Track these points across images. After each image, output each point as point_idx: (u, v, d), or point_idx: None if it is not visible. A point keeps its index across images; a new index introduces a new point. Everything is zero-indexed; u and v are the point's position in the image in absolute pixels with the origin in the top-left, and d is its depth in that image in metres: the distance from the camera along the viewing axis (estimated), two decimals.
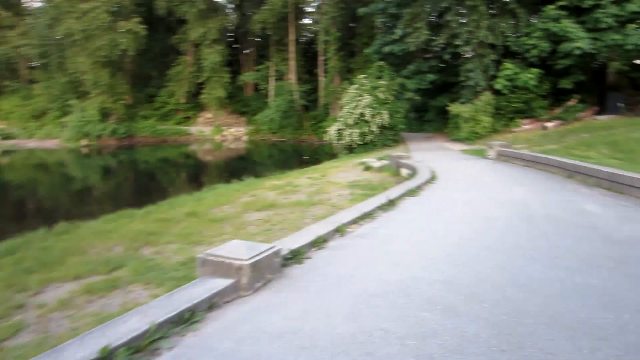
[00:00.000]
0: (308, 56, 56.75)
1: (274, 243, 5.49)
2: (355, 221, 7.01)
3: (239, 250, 4.44)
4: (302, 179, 15.35)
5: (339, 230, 6.37)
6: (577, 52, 21.89)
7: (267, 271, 4.53)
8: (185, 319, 3.61)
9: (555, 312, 3.67)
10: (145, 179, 29.92)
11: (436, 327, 3.46)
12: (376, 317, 3.67)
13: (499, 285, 4.31)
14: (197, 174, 31.89)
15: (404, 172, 15.32)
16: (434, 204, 8.69)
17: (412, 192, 9.68)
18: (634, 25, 21.30)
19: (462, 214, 7.59)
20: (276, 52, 53.16)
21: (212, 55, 48.63)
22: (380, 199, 8.50)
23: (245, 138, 52.20)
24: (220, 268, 4.30)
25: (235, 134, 52.54)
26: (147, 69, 52.45)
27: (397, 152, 24.65)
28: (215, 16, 49.79)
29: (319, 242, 5.78)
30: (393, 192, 9.39)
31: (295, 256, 5.23)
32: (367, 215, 7.38)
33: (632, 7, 21.29)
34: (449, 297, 4.04)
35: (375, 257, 5.29)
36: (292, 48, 51.04)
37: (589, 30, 22.81)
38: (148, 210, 11.26)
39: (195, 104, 52.81)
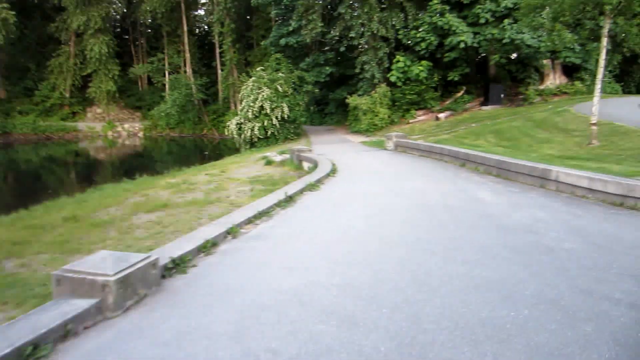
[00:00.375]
0: (205, 48, 54.75)
1: (156, 250, 4.79)
2: (250, 220, 6.44)
3: (104, 264, 3.70)
4: (200, 176, 14.45)
5: (232, 232, 5.77)
6: (462, 45, 23.09)
7: (140, 286, 3.83)
8: (26, 357, 2.83)
9: (456, 314, 3.41)
10: (27, 180, 26.69)
11: (331, 342, 3.02)
12: (265, 335, 3.16)
13: (399, 285, 4.01)
14: (87, 173, 29.12)
15: (306, 165, 15.02)
16: (334, 198, 8.37)
17: (312, 187, 9.31)
18: (508, 20, 22.88)
19: (362, 208, 7.33)
20: (170, 44, 50.52)
21: (98, 46, 45.00)
22: (279, 195, 8.01)
23: (141, 134, 49.17)
24: (81, 286, 3.53)
25: (129, 130, 49.32)
26: (23, 60, 47.16)
27: (299, 145, 24.40)
28: (98, 3, 45.96)
29: (207, 247, 5.14)
30: (292, 187, 8.94)
31: (178, 265, 4.56)
32: (263, 214, 6.85)
33: (506, 2, 22.85)
34: (347, 303, 3.64)
35: (269, 262, 4.77)
36: (186, 40, 48.79)
37: (470, 24, 24.18)
38: (19, 215, 9.76)
39: (82, 98, 48.63)
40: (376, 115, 25.70)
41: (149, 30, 55.46)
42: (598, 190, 7.64)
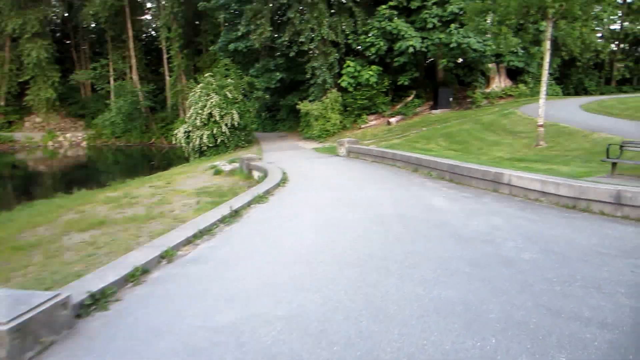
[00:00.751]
0: (152, 54, 52.99)
1: (73, 284, 4.14)
2: (189, 240, 5.85)
3: None
4: (144, 189, 13.58)
5: (166, 256, 5.17)
6: (411, 49, 23.19)
7: (46, 332, 3.21)
8: None
9: (416, 347, 3.00)
10: None
11: None
12: None
13: (352, 314, 3.57)
14: (24, 187, 27.20)
15: (256, 174, 14.47)
16: (283, 210, 7.87)
17: (260, 199, 8.78)
18: (455, 25, 23.20)
19: (313, 221, 6.87)
20: (114, 49, 48.50)
21: (36, 51, 42.51)
22: (223, 209, 7.43)
23: (84, 144, 46.82)
24: None
25: (72, 140, 46.85)
26: None
27: (250, 153, 23.76)
28: (35, 6, 43.44)
29: (136, 276, 4.52)
30: (239, 200, 8.38)
31: (99, 300, 3.94)
32: (205, 232, 6.27)
33: (452, 8, 23.15)
34: (293, 341, 3.16)
35: (205, 291, 4.22)
36: (131, 45, 46.98)
37: (418, 29, 24.36)
38: None
39: (19, 106, 45.78)
40: (328, 121, 25.41)
41: (92, 35, 53.02)
42: (550, 193, 7.53)
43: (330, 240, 5.77)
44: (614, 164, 9.19)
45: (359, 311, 3.61)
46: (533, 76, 28.73)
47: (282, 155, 19.64)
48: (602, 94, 33.36)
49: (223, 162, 18.91)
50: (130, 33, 46.41)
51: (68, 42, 52.73)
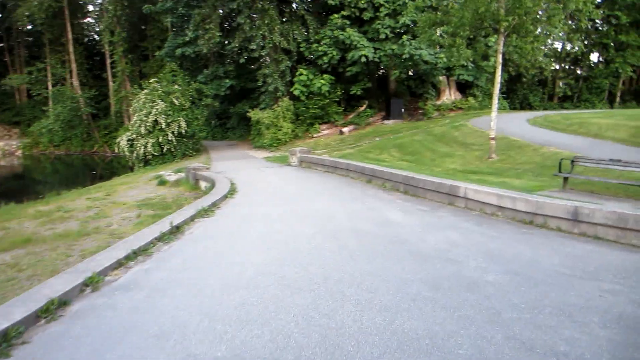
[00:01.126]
0: (95, 59, 50.81)
1: None
2: (121, 263, 5.20)
3: None
4: (80, 201, 12.63)
5: (91, 283, 4.51)
6: (363, 59, 23.16)
7: None
8: None
9: None
10: None
11: None
12: None
13: (305, 352, 3.09)
14: None
15: (203, 185, 13.80)
16: (229, 226, 7.30)
17: (205, 212, 8.17)
18: (407, 37, 23.41)
19: (262, 237, 6.36)
20: (52, 53, 46.05)
21: None
22: (163, 225, 6.79)
23: (19, 153, 44.01)
24: None
25: (5, 149, 43.95)
26: None
27: (198, 162, 22.90)
28: None
29: (51, 310, 3.86)
30: (182, 214, 7.74)
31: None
32: (140, 252, 5.62)
33: (404, 19, 23.37)
34: None
35: (133, 327, 3.62)
36: (71, 48, 44.73)
37: (370, 40, 24.41)
38: None
39: None
40: (279, 130, 24.93)
41: (28, 38, 50.18)
42: (507, 207, 7.38)
43: (280, 259, 5.28)
44: (565, 179, 9.25)
45: (312, 349, 3.14)
46: (482, 90, 29.52)
47: (231, 164, 18.96)
48: (545, 109, 34.78)
49: (168, 172, 18.09)
50: (70, 36, 44.22)
51: (1, 44, 49.64)
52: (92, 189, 16.64)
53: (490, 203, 7.72)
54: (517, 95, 37.20)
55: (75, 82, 45.42)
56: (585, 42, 36.51)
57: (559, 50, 37.68)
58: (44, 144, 43.64)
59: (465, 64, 23.61)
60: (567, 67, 40.89)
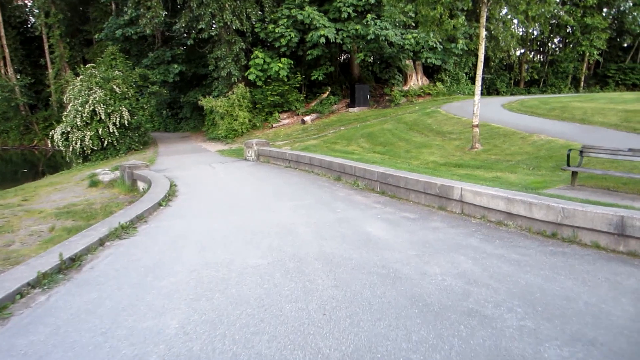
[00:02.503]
0: (32, 44, 46.59)
1: None
2: None
3: None
4: None
5: None
6: (323, 40, 21.18)
7: None
8: None
9: None
10: None
11: None
12: None
13: None
14: None
15: (141, 186, 11.73)
16: (150, 253, 5.27)
17: (123, 230, 6.14)
18: (371, 15, 21.60)
19: (191, 277, 4.40)
20: None
21: None
22: (49, 258, 4.75)
23: None
24: None
25: None
26: None
27: (144, 156, 20.59)
28: None
29: None
30: (87, 236, 5.70)
31: None
32: (3, 304, 3.63)
33: None
34: None
35: None
36: (2, 32, 40.70)
37: (332, 20, 22.44)
38: None
39: None
40: (235, 120, 22.76)
41: None
42: (520, 215, 5.73)
43: (211, 322, 3.37)
44: (574, 173, 7.72)
45: None
46: (450, 75, 28.17)
47: (179, 159, 16.80)
48: (512, 94, 33.88)
49: (105, 170, 15.80)
50: (0, 18, 40.21)
51: None
52: (9, 192, 14.19)
53: (496, 209, 6.06)
54: (484, 80, 35.94)
55: (10, 70, 41.46)
56: (550, 26, 35.74)
57: (522, 33, 36.78)
58: None
59: (435, 45, 22.07)
60: (532, 50, 40.15)
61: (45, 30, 39.18)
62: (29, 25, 47.73)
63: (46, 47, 41.22)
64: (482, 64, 11.48)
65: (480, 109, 16.33)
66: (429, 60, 24.72)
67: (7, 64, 41.76)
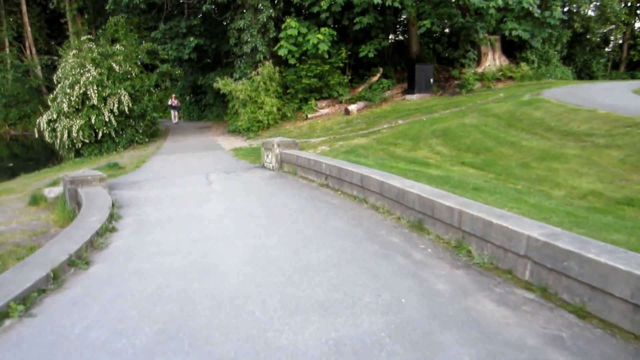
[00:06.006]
0: (59, 23, 43.84)
1: None
2: None
3: None
4: None
5: None
6: (377, 1, 16.11)
7: None
8: None
9: None
10: None
11: None
12: None
13: None
14: None
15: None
16: None
17: None
18: None
19: None
20: (7, 16, 39.72)
21: None
22: None
23: None
24: None
25: None
26: None
27: (141, 153, 16.46)
28: None
29: None
30: None
31: None
32: None
33: None
34: None
35: None
36: (25, 9, 38.18)
37: None
38: None
39: None
40: (260, 108, 18.19)
41: None
42: None
43: None
44: None
45: None
46: (536, 53, 22.45)
47: (175, 164, 12.44)
48: (612, 79, 27.59)
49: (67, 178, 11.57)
50: None
51: None
52: None
53: None
54: (574, 62, 29.49)
55: (33, 50, 39.06)
56: None
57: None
58: None
59: (531, 7, 16.57)
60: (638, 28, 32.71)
61: (68, 6, 36.21)
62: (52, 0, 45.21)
63: (70, 25, 38.56)
64: None
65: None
66: (513, 33, 19.24)
67: (29, 44, 39.26)
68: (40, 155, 28.47)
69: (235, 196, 7.52)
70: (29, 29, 39.65)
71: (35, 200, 9.16)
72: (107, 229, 5.51)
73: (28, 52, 40.19)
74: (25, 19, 39.17)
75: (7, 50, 38.47)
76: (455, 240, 4.60)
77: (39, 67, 38.58)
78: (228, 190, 8.09)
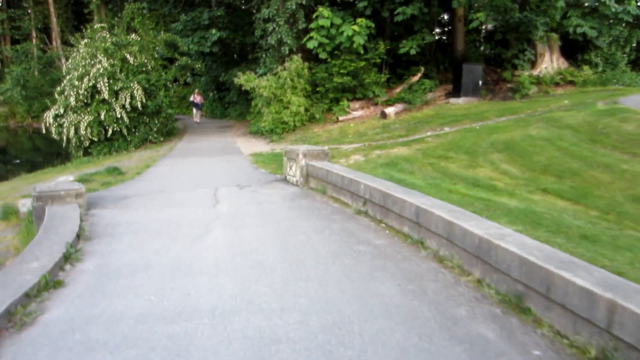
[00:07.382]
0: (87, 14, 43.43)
1: None
2: None
3: None
4: None
5: None
6: None
7: None
8: None
9: None
10: None
11: None
12: None
13: None
14: None
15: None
16: None
17: None
18: None
19: None
20: (35, 5, 39.47)
21: None
22: None
23: None
24: None
25: None
26: None
27: (151, 155, 14.98)
28: None
29: None
30: None
31: None
32: None
33: None
34: None
35: None
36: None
37: None
38: None
39: None
40: (286, 108, 16.42)
41: None
42: None
43: None
44: None
45: None
46: (601, 55, 20.06)
47: (183, 171, 10.82)
48: None
49: (64, 180, 10.30)
50: None
51: None
52: None
53: None
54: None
55: (58, 41, 38.52)
56: None
57: None
58: (20, 115, 37.41)
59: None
60: None
61: None
62: None
63: (95, 16, 37.87)
64: None
65: None
66: (578, 30, 17.00)
67: (55, 35, 38.79)
68: (61, 149, 27.60)
69: (245, 226, 5.74)
70: (54, 20, 39.16)
71: (6, 214, 7.59)
72: (48, 285, 3.79)
73: (54, 43, 39.74)
74: (52, 9, 38.70)
75: (34, 41, 37.91)
76: (597, 347, 2.73)
77: (63, 60, 38.02)
78: (237, 215, 6.32)
